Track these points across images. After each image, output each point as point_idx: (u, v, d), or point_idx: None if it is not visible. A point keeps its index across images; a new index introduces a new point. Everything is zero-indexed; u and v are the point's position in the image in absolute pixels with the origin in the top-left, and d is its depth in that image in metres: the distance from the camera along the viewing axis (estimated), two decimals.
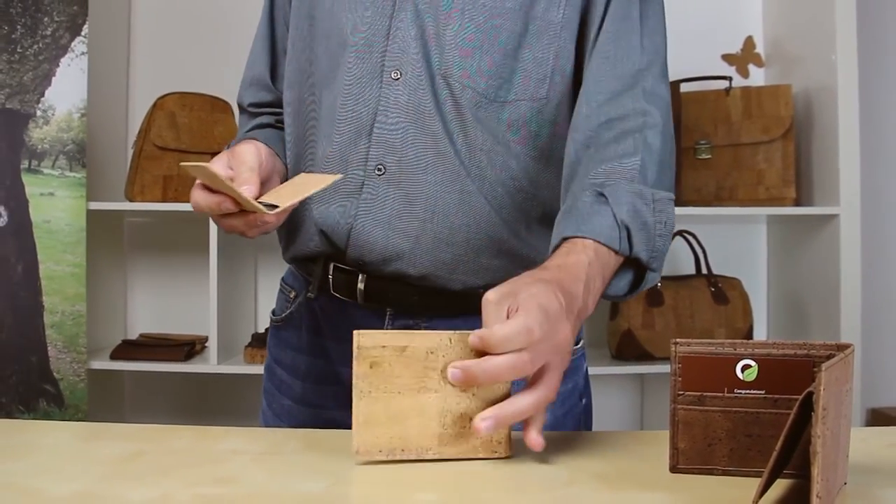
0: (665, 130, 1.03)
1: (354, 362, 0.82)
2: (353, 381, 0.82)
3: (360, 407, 0.83)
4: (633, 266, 0.98)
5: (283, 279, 1.22)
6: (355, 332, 0.82)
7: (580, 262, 0.90)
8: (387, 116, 1.02)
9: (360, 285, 1.07)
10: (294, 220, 1.12)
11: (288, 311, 1.18)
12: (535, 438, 0.84)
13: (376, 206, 1.03)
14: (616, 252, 0.93)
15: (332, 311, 1.11)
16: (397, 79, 1.03)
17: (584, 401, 1.18)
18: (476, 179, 1.03)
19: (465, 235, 1.03)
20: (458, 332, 0.87)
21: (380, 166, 1.03)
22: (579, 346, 1.16)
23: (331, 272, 1.10)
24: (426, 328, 1.06)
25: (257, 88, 1.21)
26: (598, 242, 0.92)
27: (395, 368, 0.84)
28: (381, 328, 1.07)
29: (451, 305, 1.06)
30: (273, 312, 1.23)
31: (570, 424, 1.16)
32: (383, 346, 0.83)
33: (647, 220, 0.97)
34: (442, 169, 1.02)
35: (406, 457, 0.86)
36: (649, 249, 0.97)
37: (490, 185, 1.04)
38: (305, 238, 1.11)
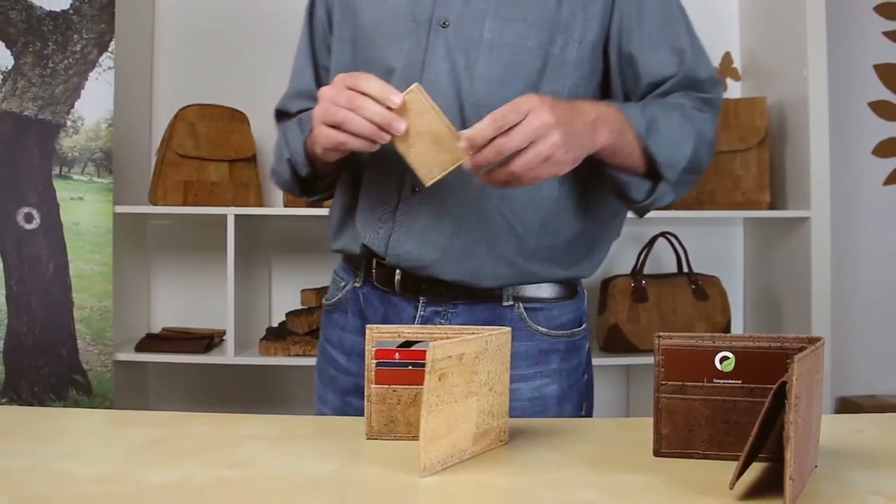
0: (708, 125, 1.12)
1: (427, 376, 0.78)
2: (424, 397, 0.78)
3: (428, 423, 0.79)
4: (652, 179, 1.06)
5: (335, 271, 1.26)
6: (430, 345, 0.78)
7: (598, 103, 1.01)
8: None
9: (398, 278, 1.13)
10: (343, 219, 1.18)
11: (337, 297, 1.23)
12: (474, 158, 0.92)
13: (409, 220, 1.09)
14: (634, 128, 1.01)
15: (374, 298, 1.17)
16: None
17: (586, 377, 1.22)
18: (497, 198, 1.07)
19: (486, 247, 1.09)
20: (494, 334, 0.87)
21: (416, 186, 1.07)
22: (581, 328, 1.20)
23: (374, 267, 1.16)
24: (452, 313, 1.13)
25: (304, 99, 1.22)
26: (624, 117, 1.02)
27: (454, 378, 0.82)
28: (415, 313, 1.14)
29: (475, 296, 1.12)
30: (325, 299, 1.28)
31: (575, 397, 1.19)
32: (449, 357, 0.80)
33: (664, 130, 1.03)
34: (468, 190, 1.06)
35: (453, 461, 0.84)
36: (664, 155, 1.03)
37: (509, 202, 1.08)
38: (351, 240, 1.17)
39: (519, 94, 1.02)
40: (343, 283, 1.22)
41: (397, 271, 1.13)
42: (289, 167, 1.17)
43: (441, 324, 1.13)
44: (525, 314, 1.13)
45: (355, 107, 0.95)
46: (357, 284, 1.19)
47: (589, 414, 1.23)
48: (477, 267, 1.09)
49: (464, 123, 1.04)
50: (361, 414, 1.09)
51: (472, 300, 1.12)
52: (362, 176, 1.14)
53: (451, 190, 1.06)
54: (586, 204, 1.15)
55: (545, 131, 0.90)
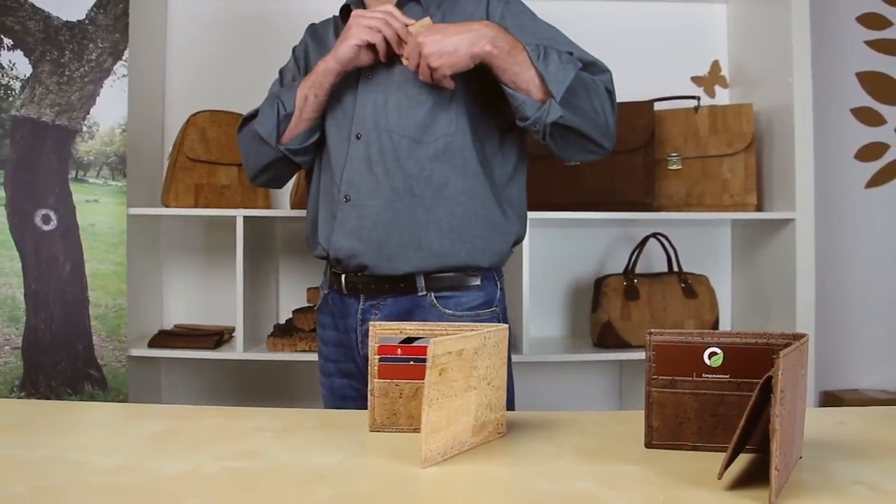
0: (597, 85, 1.29)
1: (427, 371, 0.79)
2: (426, 391, 0.79)
3: (429, 416, 0.79)
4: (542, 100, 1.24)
5: (321, 283, 1.51)
6: (431, 342, 0.80)
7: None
8: (352, 164, 1.35)
9: (343, 281, 1.39)
10: (313, 231, 1.44)
11: (320, 303, 1.50)
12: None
13: (343, 223, 1.35)
14: (527, 52, 1.22)
15: (336, 300, 1.44)
16: (359, 138, 1.35)
17: None
18: (407, 199, 1.32)
19: (398, 238, 1.33)
20: (492, 331, 0.87)
21: (346, 196, 1.35)
22: (490, 310, 1.38)
23: (331, 275, 1.44)
24: (383, 304, 1.36)
25: None
26: (520, 44, 1.23)
27: (454, 372, 0.82)
28: (358, 308, 1.38)
29: (396, 289, 1.36)
30: (316, 306, 1.55)
31: None
32: (449, 352, 0.81)
33: (553, 59, 1.22)
34: (382, 196, 1.32)
35: (453, 453, 0.84)
36: (552, 72, 1.21)
37: (419, 199, 1.32)
38: (315, 245, 1.44)
39: (419, 119, 1.32)
40: (322, 292, 1.50)
41: (343, 276, 1.39)
42: (275, 110, 1.38)
43: (375, 314, 1.37)
44: (436, 301, 1.35)
45: (387, 18, 1.28)
46: (326, 291, 1.47)
47: (508, 385, 1.34)
48: (390, 253, 1.33)
49: (380, 148, 1.32)
50: (343, 391, 1.44)
51: (397, 294, 1.36)
52: (319, 185, 1.42)
53: (372, 198, 1.32)
54: (484, 203, 1.35)
55: (418, 47, 1.23)
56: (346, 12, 1.47)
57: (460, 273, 1.36)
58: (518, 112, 1.25)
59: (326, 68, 1.33)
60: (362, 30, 1.28)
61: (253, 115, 1.46)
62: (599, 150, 1.31)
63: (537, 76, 1.22)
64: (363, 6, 1.44)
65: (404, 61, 1.28)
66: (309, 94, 1.35)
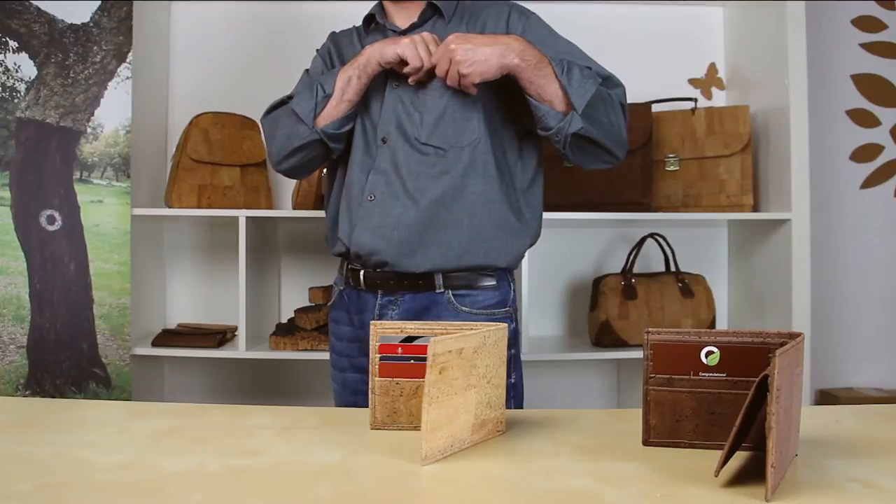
0: (613, 98, 1.34)
1: (428, 370, 0.79)
2: (426, 389, 0.79)
3: (430, 414, 0.79)
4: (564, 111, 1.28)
5: (335, 280, 1.54)
6: (431, 340, 0.80)
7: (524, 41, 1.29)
8: (378, 166, 1.38)
9: (361, 276, 1.42)
10: (333, 228, 1.46)
11: (334, 300, 1.53)
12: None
13: (366, 220, 1.38)
14: (552, 66, 1.27)
15: (352, 296, 1.47)
16: (385, 142, 1.39)
17: (513, 351, 1.40)
18: (429, 200, 1.35)
19: (419, 237, 1.36)
20: (492, 330, 0.87)
21: (371, 195, 1.38)
22: (504, 309, 1.42)
23: (348, 271, 1.46)
24: (401, 300, 1.40)
25: None
26: (546, 58, 1.28)
27: (454, 371, 0.82)
28: (376, 302, 1.41)
29: (415, 286, 1.39)
30: (330, 302, 1.56)
31: None
32: (449, 351, 0.81)
33: (576, 73, 1.28)
34: (406, 197, 1.36)
35: (453, 450, 0.84)
36: (575, 86, 1.26)
37: (440, 201, 1.36)
38: (335, 242, 1.46)
39: (446, 129, 1.36)
40: (337, 289, 1.51)
41: (361, 272, 1.42)
42: (314, 91, 1.39)
43: (393, 310, 1.40)
44: (453, 299, 1.39)
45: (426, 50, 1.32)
46: (341, 288, 1.49)
47: (518, 382, 1.43)
48: (411, 251, 1.36)
49: (406, 154, 1.36)
50: (355, 385, 1.45)
51: (415, 290, 1.39)
52: (346, 182, 1.44)
53: (396, 198, 1.36)
54: (500, 206, 1.38)
55: (449, 53, 1.28)
56: (368, 22, 1.52)
57: (477, 272, 1.40)
58: (540, 122, 1.30)
59: (370, 57, 1.36)
60: (411, 48, 1.32)
61: (280, 103, 1.46)
62: (613, 160, 1.37)
63: (560, 89, 1.27)
64: (385, 16, 1.48)
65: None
66: (352, 75, 1.37)
